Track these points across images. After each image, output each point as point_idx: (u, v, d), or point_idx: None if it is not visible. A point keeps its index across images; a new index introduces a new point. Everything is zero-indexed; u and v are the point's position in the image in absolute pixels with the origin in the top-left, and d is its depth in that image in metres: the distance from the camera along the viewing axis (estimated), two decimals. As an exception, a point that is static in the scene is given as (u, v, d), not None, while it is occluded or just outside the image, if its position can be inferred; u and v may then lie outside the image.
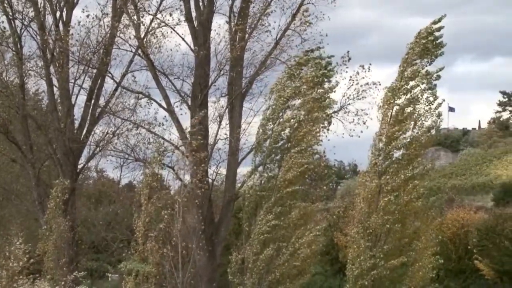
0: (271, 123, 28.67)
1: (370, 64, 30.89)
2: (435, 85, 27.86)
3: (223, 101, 32.10)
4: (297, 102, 28.67)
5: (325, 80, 29.51)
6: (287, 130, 28.38)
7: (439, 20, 27.80)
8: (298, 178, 27.98)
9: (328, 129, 30.27)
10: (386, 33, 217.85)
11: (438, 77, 27.86)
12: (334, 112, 30.92)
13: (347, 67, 31.08)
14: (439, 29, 27.84)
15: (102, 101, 34.96)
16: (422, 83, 27.84)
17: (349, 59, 31.10)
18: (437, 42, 27.78)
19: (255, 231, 27.60)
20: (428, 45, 27.66)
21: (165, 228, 27.15)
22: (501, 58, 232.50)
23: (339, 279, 55.65)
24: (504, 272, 52.64)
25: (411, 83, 27.96)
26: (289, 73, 29.42)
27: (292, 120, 28.31)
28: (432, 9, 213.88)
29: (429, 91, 27.82)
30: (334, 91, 30.27)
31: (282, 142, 28.65)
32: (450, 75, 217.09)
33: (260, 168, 29.14)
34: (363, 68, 31.13)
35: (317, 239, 28.79)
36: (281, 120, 28.51)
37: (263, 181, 28.76)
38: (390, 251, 27.95)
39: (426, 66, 28.06)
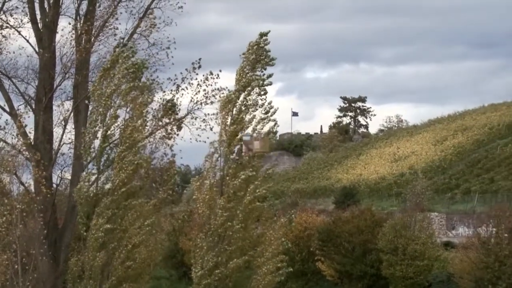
0: (99, 124, 28.48)
1: (220, 71, 31.30)
2: (265, 90, 28.97)
3: (68, 105, 31.75)
4: (119, 100, 28.60)
5: (140, 71, 29.23)
6: (114, 130, 28.24)
7: (266, 34, 28.90)
8: (131, 177, 27.94)
9: (177, 134, 30.44)
10: (239, 38, 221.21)
11: (270, 83, 28.99)
12: (181, 117, 31.12)
13: (197, 74, 31.32)
14: (266, 41, 28.98)
15: None
16: (256, 90, 28.86)
17: (199, 66, 31.31)
18: (266, 53, 28.91)
19: (90, 236, 27.42)
20: (259, 54, 28.75)
21: (4, 234, 26.49)
22: (348, 65, 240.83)
23: (185, 283, 55.99)
24: (344, 272, 54.41)
25: (247, 90, 28.94)
26: (103, 72, 29.19)
27: (117, 119, 28.23)
28: (284, 15, 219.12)
29: (263, 97, 28.91)
30: (164, 91, 30.39)
31: (111, 142, 28.50)
32: (300, 81, 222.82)
33: (94, 171, 28.82)
34: (212, 74, 31.42)
35: (152, 237, 28.65)
36: (107, 120, 28.38)
37: (99, 184, 28.52)
38: (233, 252, 28.52)
39: (260, 74, 29.08)
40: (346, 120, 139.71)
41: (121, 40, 30.86)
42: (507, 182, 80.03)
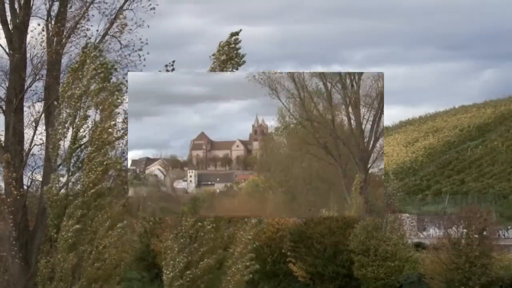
0: (68, 125, 28.37)
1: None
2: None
3: (39, 106, 31.58)
4: (88, 101, 28.50)
5: (108, 71, 29.04)
6: (84, 131, 28.14)
7: (237, 33, 28.98)
8: (101, 178, 27.85)
9: None
10: (212, 40, 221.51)
11: None
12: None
13: None
14: (237, 41, 29.04)
15: None
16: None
17: (173, 69, 31.27)
18: (237, 52, 28.96)
19: (60, 238, 27.35)
20: (230, 55, 28.80)
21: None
22: (320, 67, 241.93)
23: (157, 285, 55.93)
24: (316, 273, 54.66)
25: None
26: (72, 73, 29.05)
27: (86, 120, 28.15)
28: (256, 17, 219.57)
29: None
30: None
31: (81, 144, 28.39)
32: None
33: (63, 172, 28.70)
34: None
35: (123, 237, 28.59)
36: (76, 121, 28.30)
37: (69, 186, 28.42)
38: (204, 253, 28.59)
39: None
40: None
41: (89, 41, 30.72)
42: (477, 184, 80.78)
